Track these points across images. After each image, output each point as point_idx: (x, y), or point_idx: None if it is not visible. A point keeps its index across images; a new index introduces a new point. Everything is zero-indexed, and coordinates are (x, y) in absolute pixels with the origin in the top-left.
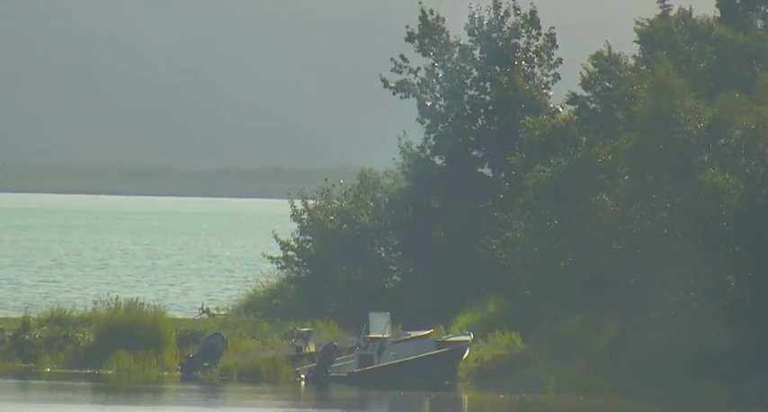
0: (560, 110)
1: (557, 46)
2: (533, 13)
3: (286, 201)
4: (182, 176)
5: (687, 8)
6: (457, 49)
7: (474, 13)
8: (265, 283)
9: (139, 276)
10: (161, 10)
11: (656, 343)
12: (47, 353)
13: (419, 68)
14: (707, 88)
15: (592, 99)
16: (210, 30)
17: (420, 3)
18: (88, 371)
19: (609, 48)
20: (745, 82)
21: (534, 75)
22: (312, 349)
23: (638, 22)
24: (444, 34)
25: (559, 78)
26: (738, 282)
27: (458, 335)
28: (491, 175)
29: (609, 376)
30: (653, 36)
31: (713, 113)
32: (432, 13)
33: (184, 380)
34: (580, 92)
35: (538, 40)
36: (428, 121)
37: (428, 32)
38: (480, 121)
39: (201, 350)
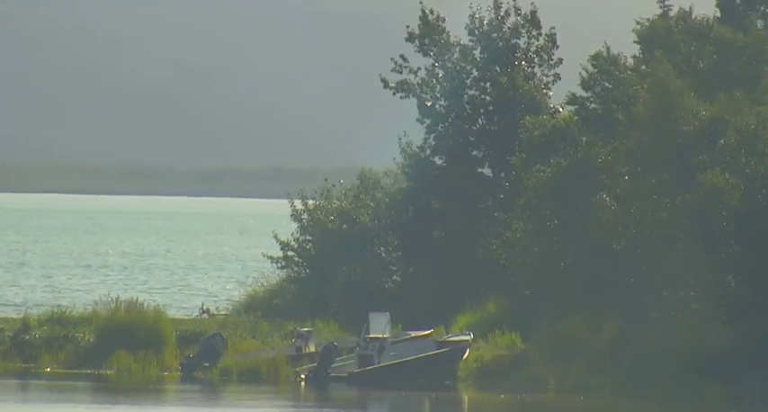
0: (560, 110)
1: (557, 46)
2: (534, 13)
3: (286, 201)
4: (182, 176)
5: (687, 8)
6: (457, 49)
7: (474, 13)
8: (265, 283)
9: (139, 276)
10: (161, 10)
11: (656, 343)
12: (47, 353)
13: (419, 68)
14: (707, 88)
15: (591, 99)
16: (211, 29)
17: (421, 3)
18: (88, 371)
19: (608, 48)
20: (746, 82)
21: (534, 75)
22: (312, 349)
23: (638, 22)
24: (445, 34)
25: (560, 78)
26: (738, 281)
27: (458, 335)
28: (491, 175)
29: (609, 376)
30: (653, 36)
31: (713, 113)
32: (432, 12)
33: (184, 381)
34: (580, 92)
35: (538, 41)
36: (428, 121)
37: (428, 32)
38: (480, 121)
39: (201, 350)
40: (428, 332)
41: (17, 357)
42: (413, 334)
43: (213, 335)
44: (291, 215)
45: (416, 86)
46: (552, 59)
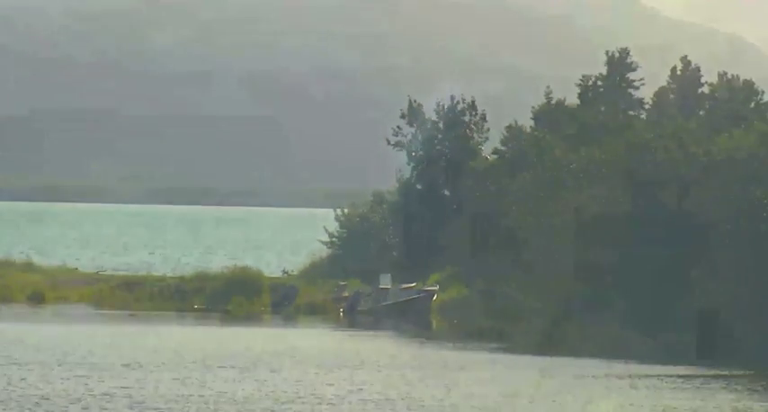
0: (488, 158)
1: (486, 121)
2: (473, 102)
3: (330, 210)
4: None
5: (562, 97)
6: (429, 123)
7: (439, 103)
8: (318, 258)
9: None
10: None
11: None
12: (194, 296)
13: (407, 134)
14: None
15: (507, 152)
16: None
17: (408, 96)
18: (219, 306)
19: (516, 121)
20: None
21: (474, 137)
22: (346, 295)
23: (533, 106)
24: (422, 114)
25: (488, 139)
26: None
27: (430, 287)
28: (449, 194)
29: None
30: (542, 117)
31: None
32: (415, 102)
33: (274, 313)
34: (500, 147)
35: (476, 117)
36: (413, 163)
37: (412, 113)
38: (442, 163)
39: (282, 295)
40: (413, 285)
41: (176, 299)
42: (404, 286)
43: (290, 286)
44: (335, 217)
45: (405, 143)
46: (484, 129)
